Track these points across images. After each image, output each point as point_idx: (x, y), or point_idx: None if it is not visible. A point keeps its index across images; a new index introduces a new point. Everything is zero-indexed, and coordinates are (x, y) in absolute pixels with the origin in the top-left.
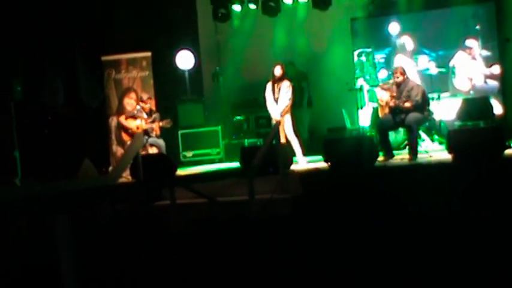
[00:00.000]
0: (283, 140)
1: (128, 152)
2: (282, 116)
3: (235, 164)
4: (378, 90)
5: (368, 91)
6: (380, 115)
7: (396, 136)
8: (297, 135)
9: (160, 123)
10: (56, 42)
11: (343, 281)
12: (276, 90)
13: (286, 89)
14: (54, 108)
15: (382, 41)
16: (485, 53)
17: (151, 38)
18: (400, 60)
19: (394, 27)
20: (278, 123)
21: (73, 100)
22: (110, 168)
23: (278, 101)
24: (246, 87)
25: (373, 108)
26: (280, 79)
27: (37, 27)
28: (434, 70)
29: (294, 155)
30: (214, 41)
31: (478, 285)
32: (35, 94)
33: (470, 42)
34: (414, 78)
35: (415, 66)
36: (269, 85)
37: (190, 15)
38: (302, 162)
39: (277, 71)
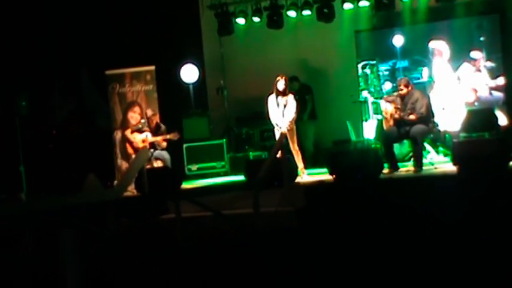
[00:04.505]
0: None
1: (133, 165)
2: (288, 129)
3: (240, 177)
4: (382, 102)
5: (372, 103)
6: (385, 127)
7: (401, 148)
8: (299, 149)
9: (168, 136)
10: (61, 57)
11: None
12: (281, 103)
13: (292, 102)
14: (59, 122)
15: (387, 53)
16: (490, 64)
17: (155, 52)
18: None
19: (398, 40)
20: (283, 136)
21: (77, 114)
22: (115, 182)
23: (284, 114)
24: (250, 101)
25: (378, 120)
26: (285, 92)
27: (42, 43)
28: None
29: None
30: (218, 54)
31: None
32: (40, 109)
33: (475, 53)
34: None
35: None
36: (272, 98)
37: (194, 29)
38: (303, 176)
39: (281, 84)
